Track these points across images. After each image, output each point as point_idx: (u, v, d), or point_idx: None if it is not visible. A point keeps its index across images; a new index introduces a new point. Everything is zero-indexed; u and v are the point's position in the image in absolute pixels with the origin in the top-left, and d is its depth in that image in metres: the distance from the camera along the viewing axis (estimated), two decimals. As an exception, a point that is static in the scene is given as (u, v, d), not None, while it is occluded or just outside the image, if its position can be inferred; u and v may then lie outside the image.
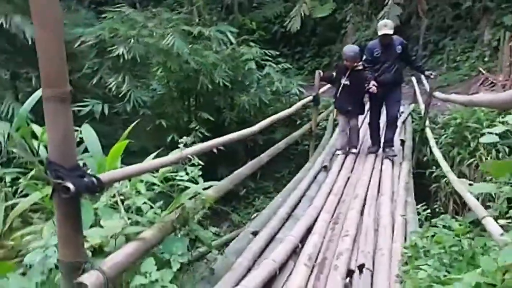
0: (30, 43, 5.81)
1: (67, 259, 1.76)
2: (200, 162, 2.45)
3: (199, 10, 8.58)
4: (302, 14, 11.61)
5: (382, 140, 5.57)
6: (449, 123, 6.36)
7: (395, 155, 5.33)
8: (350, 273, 2.74)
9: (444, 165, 4.36)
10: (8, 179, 2.74)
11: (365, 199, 3.95)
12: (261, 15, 12.54)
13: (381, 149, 5.51)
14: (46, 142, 2.75)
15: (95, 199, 2.47)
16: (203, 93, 7.41)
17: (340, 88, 5.29)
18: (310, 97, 5.98)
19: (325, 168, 4.86)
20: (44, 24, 1.63)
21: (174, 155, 2.42)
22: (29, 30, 5.84)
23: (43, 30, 1.63)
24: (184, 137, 2.45)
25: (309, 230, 3.29)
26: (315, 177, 4.63)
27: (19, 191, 2.80)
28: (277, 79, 7.79)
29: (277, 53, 8.55)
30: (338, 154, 5.43)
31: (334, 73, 5.48)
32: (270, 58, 8.07)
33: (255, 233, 3.15)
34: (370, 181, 4.51)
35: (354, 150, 5.53)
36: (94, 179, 1.81)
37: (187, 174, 2.35)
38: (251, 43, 8.07)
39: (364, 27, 11.64)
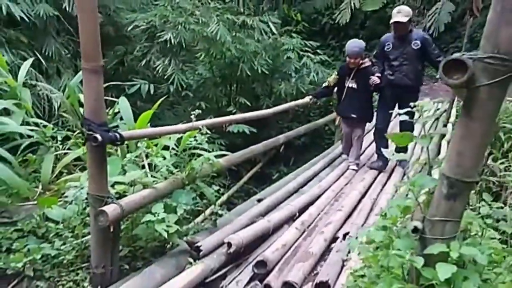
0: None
1: (94, 192, 2.37)
2: (209, 132, 2.98)
3: (246, 0, 9.09)
4: (352, 6, 11.77)
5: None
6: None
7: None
8: (334, 239, 3.18)
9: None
10: (59, 137, 3.43)
11: (371, 184, 4.31)
12: (312, 6, 12.82)
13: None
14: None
15: (123, 156, 3.10)
16: (243, 79, 7.94)
17: (345, 92, 4.62)
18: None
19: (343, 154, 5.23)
20: (84, 9, 2.21)
21: (186, 124, 2.98)
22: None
23: (83, 14, 2.22)
24: (196, 110, 2.97)
25: (310, 204, 3.74)
26: (332, 162, 5.03)
27: (67, 148, 3.50)
28: (314, 69, 8.14)
29: (318, 44, 8.87)
30: (352, 168, 4.81)
31: (336, 75, 4.78)
32: (309, 49, 8.43)
33: (259, 200, 3.65)
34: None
35: (354, 167, 4.82)
36: (117, 134, 2.40)
37: (195, 140, 2.89)
38: (293, 34, 8.46)
39: (415, 23, 11.59)
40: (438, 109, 7.45)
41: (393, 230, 1.76)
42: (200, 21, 7.25)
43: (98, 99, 2.32)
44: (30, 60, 3.59)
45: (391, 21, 4.29)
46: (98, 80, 2.30)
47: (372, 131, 5.15)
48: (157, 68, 7.37)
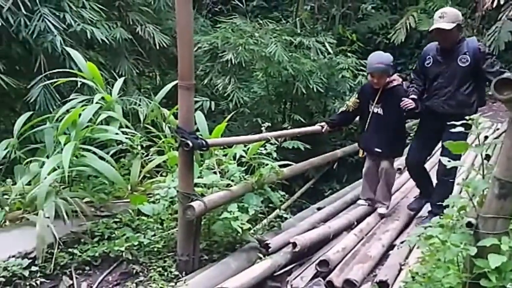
0: (157, 48, 7.34)
1: (183, 190, 2.83)
2: (277, 142, 3.39)
3: (302, 22, 9.59)
4: (408, 26, 11.95)
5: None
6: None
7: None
8: (392, 247, 3.44)
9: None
10: (144, 145, 3.98)
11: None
12: (366, 26, 13.12)
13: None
14: (171, 122, 3.98)
15: (200, 163, 3.57)
16: (298, 97, 8.36)
17: (368, 119, 3.79)
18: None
19: (399, 170, 5.44)
20: (183, 38, 2.72)
21: (258, 135, 3.41)
22: (158, 37, 7.35)
23: (182, 43, 2.72)
24: (266, 123, 3.40)
25: (367, 215, 4.02)
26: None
27: (150, 155, 4.03)
28: (369, 88, 8.42)
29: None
30: (360, 204, 4.05)
31: (356, 98, 3.95)
32: (364, 68, 8.73)
33: (319, 208, 3.99)
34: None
35: (382, 211, 3.91)
36: (204, 141, 2.86)
37: (265, 148, 3.31)
38: (348, 53, 8.81)
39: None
40: (497, 129, 7.46)
41: (449, 226, 2.05)
42: (259, 42, 7.78)
43: (189, 111, 2.80)
44: (122, 80, 4.21)
45: (431, 27, 3.39)
46: (190, 95, 2.78)
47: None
48: (217, 86, 7.96)
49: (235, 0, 10.75)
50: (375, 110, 3.75)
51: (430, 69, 3.53)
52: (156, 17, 7.77)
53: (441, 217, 2.14)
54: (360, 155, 4.02)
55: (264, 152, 3.31)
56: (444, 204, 2.06)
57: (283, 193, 3.50)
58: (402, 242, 3.42)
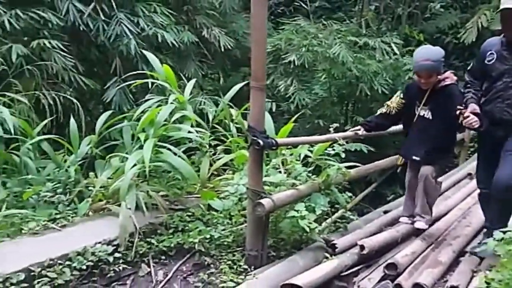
0: (221, 50, 7.61)
1: (252, 187, 2.97)
2: (345, 143, 3.44)
3: (367, 22, 9.49)
4: (480, 25, 11.41)
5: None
6: None
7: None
8: (463, 253, 3.37)
9: None
10: (212, 144, 4.18)
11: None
12: (434, 26, 12.68)
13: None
14: (239, 122, 4.15)
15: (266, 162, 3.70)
16: (362, 99, 8.29)
17: (413, 123, 3.35)
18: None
19: (470, 176, 5.27)
20: (257, 41, 2.86)
21: (325, 135, 3.48)
22: (223, 40, 7.61)
23: (255, 45, 2.86)
24: (334, 124, 3.46)
25: (436, 220, 3.95)
26: (457, 182, 5.12)
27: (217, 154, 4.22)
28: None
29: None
30: (403, 222, 3.56)
31: (400, 98, 3.47)
32: (432, 69, 8.49)
33: (386, 212, 3.98)
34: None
35: (420, 225, 3.43)
36: (273, 140, 2.99)
37: (333, 149, 3.38)
38: (415, 54, 8.61)
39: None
40: None
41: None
42: (323, 43, 7.82)
43: (261, 111, 2.94)
44: (193, 81, 4.45)
45: (498, 10, 2.94)
46: (262, 96, 2.92)
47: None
48: (278, 88, 8.10)
49: (297, 2, 10.83)
50: (422, 113, 3.29)
51: (492, 66, 2.99)
52: (221, 20, 8.04)
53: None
54: (398, 162, 3.57)
55: (332, 152, 3.38)
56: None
57: (350, 194, 3.54)
58: (473, 248, 3.34)
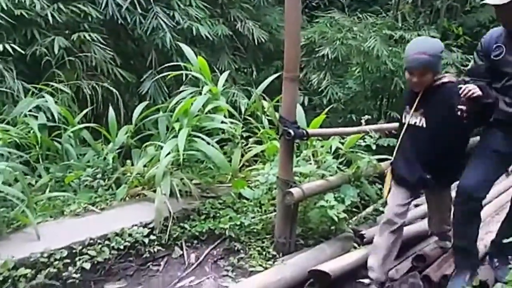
0: (255, 43, 7.71)
1: (283, 176, 3.08)
2: (376, 135, 3.49)
3: (404, 15, 9.36)
4: (524, 17, 11.00)
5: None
6: None
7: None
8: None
9: None
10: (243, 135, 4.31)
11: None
12: (474, 19, 12.34)
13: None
14: (270, 114, 4.25)
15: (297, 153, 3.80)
16: (396, 93, 8.21)
17: (402, 134, 2.75)
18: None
19: (507, 173, 5.17)
20: (290, 33, 2.95)
21: (357, 127, 3.54)
22: (256, 33, 7.72)
23: (289, 38, 2.96)
24: (366, 115, 3.52)
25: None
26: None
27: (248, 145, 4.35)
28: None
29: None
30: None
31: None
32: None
33: (416, 205, 4.00)
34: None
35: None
36: (304, 131, 3.08)
37: (364, 141, 3.44)
38: (453, 48, 8.45)
39: None
40: None
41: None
42: (358, 36, 7.80)
43: (292, 102, 3.04)
44: (226, 73, 4.60)
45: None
46: (295, 87, 3.01)
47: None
48: (311, 81, 8.14)
49: (332, -6, 10.80)
50: (412, 121, 2.67)
51: (501, 61, 2.50)
52: (255, 13, 8.14)
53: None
54: (386, 178, 2.95)
55: (363, 144, 3.44)
56: None
57: (380, 186, 3.59)
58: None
